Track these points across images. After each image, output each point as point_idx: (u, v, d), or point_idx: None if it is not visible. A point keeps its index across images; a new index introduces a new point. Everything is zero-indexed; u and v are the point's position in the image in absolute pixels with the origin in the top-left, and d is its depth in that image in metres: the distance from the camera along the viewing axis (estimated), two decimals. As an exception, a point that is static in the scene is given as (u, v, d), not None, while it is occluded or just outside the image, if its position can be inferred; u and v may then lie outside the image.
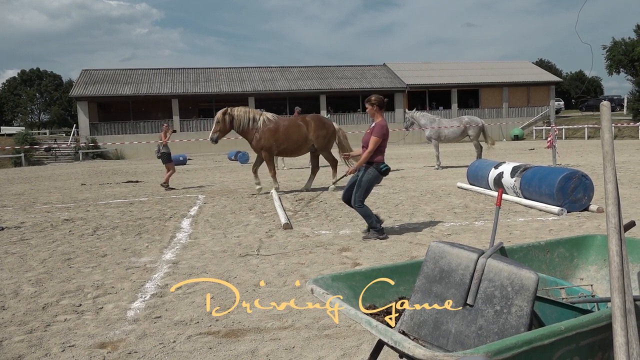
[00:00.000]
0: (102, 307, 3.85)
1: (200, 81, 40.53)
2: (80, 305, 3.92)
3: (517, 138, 36.89)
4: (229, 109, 10.10)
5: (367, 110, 5.83)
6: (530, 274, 1.57)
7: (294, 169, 17.22)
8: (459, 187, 10.04)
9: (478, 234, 5.87)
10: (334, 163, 10.88)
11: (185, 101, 39.81)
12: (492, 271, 1.64)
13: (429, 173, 13.37)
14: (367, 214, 5.79)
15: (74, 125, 38.84)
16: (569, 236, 2.40)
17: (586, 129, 33.04)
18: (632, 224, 2.31)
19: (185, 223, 7.40)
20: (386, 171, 5.76)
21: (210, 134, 10.21)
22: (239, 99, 40.12)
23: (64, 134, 45.23)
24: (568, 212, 6.84)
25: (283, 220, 6.88)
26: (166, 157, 12.11)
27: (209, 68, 43.80)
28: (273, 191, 9.83)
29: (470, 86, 42.76)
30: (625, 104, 43.08)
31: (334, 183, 10.44)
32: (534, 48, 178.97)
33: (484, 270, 1.65)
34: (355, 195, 5.72)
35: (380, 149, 5.67)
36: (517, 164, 8.43)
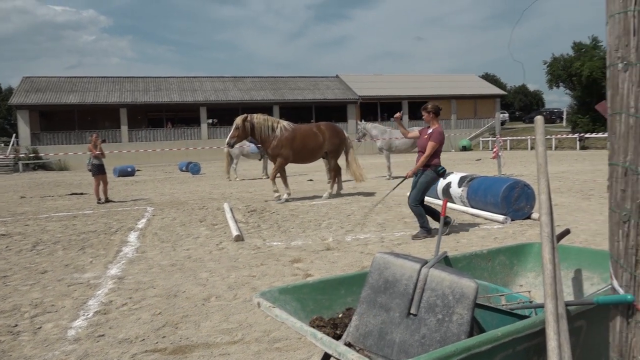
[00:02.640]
0: (40, 327, 3.66)
1: (150, 90, 39.61)
2: (16, 325, 3.71)
3: (464, 149, 38.10)
4: (249, 116, 10.26)
5: (423, 118, 6.26)
6: (469, 283, 1.62)
7: (246, 179, 17.07)
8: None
9: (427, 242, 5.99)
10: (337, 172, 11.10)
11: (134, 111, 38.77)
12: (435, 280, 1.68)
13: (380, 183, 13.57)
14: (420, 214, 6.22)
15: (14, 134, 36.97)
16: (509, 244, 2.50)
17: (529, 140, 34.53)
18: (567, 232, 2.42)
19: (133, 236, 7.17)
20: (443, 173, 6.25)
21: (228, 138, 10.39)
22: (191, 109, 39.54)
23: (2, 144, 42.97)
24: (512, 220, 7.11)
25: (234, 232, 6.79)
26: (97, 169, 11.59)
27: (160, 77, 42.91)
28: (225, 204, 9.69)
29: (420, 98, 43.81)
30: (564, 117, 45.42)
31: (335, 191, 10.94)
32: (479, 62, 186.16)
33: (426, 280, 1.69)
34: (411, 194, 6.21)
35: (436, 153, 6.13)
36: (464, 174, 8.70)
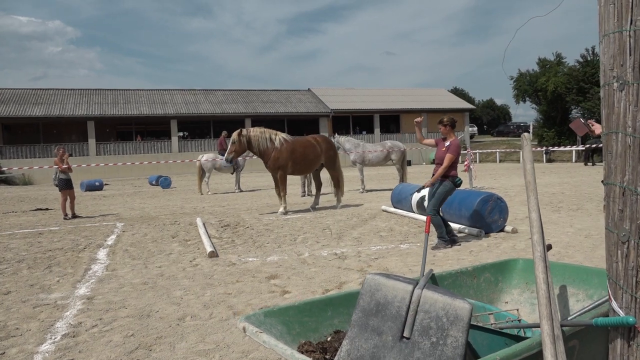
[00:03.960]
0: (3, 353, 3.46)
1: (119, 103, 38.88)
2: (-22, 351, 3.50)
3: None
4: (244, 130, 10.28)
5: (440, 131, 6.53)
6: (463, 304, 1.58)
7: (218, 193, 16.84)
8: (383, 210, 10.26)
9: (404, 257, 5.98)
10: (337, 182, 11.31)
11: (103, 123, 37.95)
12: (428, 302, 1.63)
13: (354, 196, 13.58)
14: (438, 224, 6.36)
15: (-25, 148, 35.63)
16: (493, 261, 2.48)
17: (497, 153, 35.28)
18: (549, 247, 2.42)
19: (102, 254, 6.93)
20: (460, 183, 6.44)
21: (226, 154, 10.38)
22: (161, 122, 38.96)
23: (-37, 158, 41.35)
24: (486, 233, 7.18)
25: (208, 248, 6.65)
26: (64, 184, 11.26)
27: (129, 89, 42.18)
28: (198, 219, 9.51)
29: (392, 112, 44.40)
30: (531, 130, 46.65)
31: (340, 201, 11.28)
32: (448, 76, 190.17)
33: (419, 302, 1.65)
34: (430, 204, 6.38)
35: (453, 165, 6.34)
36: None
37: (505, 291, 2.36)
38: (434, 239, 6.77)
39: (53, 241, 8.16)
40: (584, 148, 25.22)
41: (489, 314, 1.94)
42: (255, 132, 10.32)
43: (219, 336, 3.63)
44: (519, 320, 1.91)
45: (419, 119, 6.82)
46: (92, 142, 36.05)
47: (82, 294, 4.88)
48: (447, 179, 6.37)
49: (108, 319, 4.09)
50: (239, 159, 15.20)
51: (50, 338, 3.70)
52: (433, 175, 6.53)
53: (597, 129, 3.87)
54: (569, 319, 1.75)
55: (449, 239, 6.45)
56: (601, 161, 26.86)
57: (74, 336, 3.73)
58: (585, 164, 25.27)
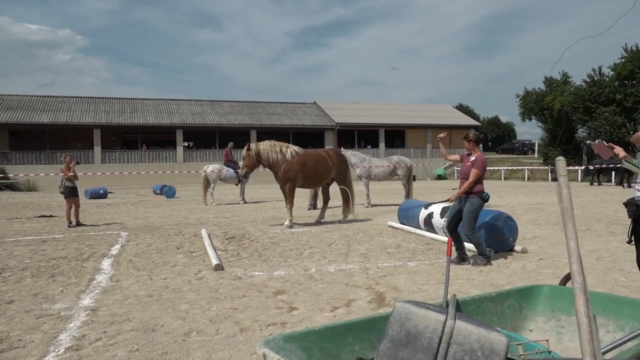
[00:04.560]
0: (6, 365, 3.38)
1: (125, 112, 39.07)
2: (-21, 363, 3.42)
3: (440, 177, 38.53)
4: (252, 145, 10.36)
5: (465, 146, 6.51)
6: (500, 337, 1.50)
7: (222, 204, 16.78)
8: (389, 226, 10.17)
9: (412, 275, 5.88)
10: (347, 197, 11.23)
11: (108, 132, 38.09)
12: (461, 334, 1.56)
13: (359, 211, 13.48)
14: (478, 242, 6.35)
15: (-19, 153, 35.76)
16: (517, 287, 2.40)
17: (502, 170, 35.18)
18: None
19: (106, 264, 6.86)
20: (488, 199, 6.41)
21: (240, 171, 10.59)
22: (167, 131, 39.09)
23: (-32, 163, 41.49)
24: (495, 252, 7.07)
25: (214, 260, 6.56)
26: (69, 192, 11.28)
27: (136, 99, 42.43)
28: (203, 230, 9.43)
29: (397, 127, 44.44)
30: (536, 149, 46.59)
31: (347, 216, 11.23)
32: (453, 93, 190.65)
33: (452, 333, 1.57)
34: (465, 225, 6.31)
35: (479, 180, 6.27)
36: (446, 204, 8.67)
37: (530, 319, 2.28)
38: (434, 254, 6.68)
39: (57, 249, 8.09)
40: (583, 168, 25.10)
41: (517, 344, 1.86)
42: (264, 146, 10.36)
43: (226, 353, 3.54)
44: (549, 352, 1.83)
45: (442, 135, 6.87)
46: (97, 150, 36.16)
47: (86, 305, 4.80)
48: (475, 196, 6.30)
49: (112, 332, 4.00)
50: None
51: (54, 351, 3.62)
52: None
53: (620, 151, 3.80)
54: (602, 352, 1.66)
55: (489, 256, 6.42)
56: (607, 181, 26.74)
57: (77, 349, 3.64)
58: (591, 184, 25.14)
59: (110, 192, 24.15)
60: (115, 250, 7.96)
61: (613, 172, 26.36)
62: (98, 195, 21.62)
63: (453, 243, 6.49)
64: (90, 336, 3.92)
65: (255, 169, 10.60)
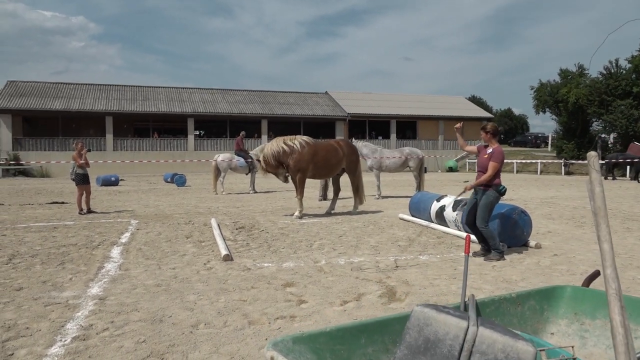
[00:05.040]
0: (12, 354, 3.35)
1: (137, 99, 39.18)
2: (-14, 351, 3.40)
3: (451, 170, 38.22)
4: (260, 156, 10.32)
5: (482, 137, 6.37)
6: (527, 347, 1.40)
7: (232, 194, 16.76)
8: (400, 219, 10.06)
9: (424, 269, 5.79)
10: (357, 188, 11.19)
11: (120, 119, 38.26)
12: (485, 342, 1.46)
13: (369, 202, 13.38)
14: (491, 235, 6.20)
15: (-5, 139, 36.10)
16: (538, 287, 2.30)
17: (515, 163, 34.78)
18: (597, 274, 2.23)
19: (115, 252, 6.85)
20: (504, 192, 6.28)
21: (279, 177, 10.60)
22: (178, 120, 39.17)
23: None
24: (508, 247, 6.94)
25: (223, 251, 6.52)
26: (81, 179, 11.30)
27: (147, 86, 42.53)
28: (213, 220, 9.39)
29: (409, 118, 44.12)
30: (549, 142, 46.01)
31: (357, 207, 11.17)
32: (465, 84, 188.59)
33: (475, 341, 1.47)
34: (479, 217, 6.19)
35: (497, 173, 6.15)
36: (459, 197, 8.53)
37: (551, 321, 2.17)
38: (446, 248, 6.58)
39: (67, 236, 8.10)
40: (604, 162, 24.70)
41: (540, 350, 1.76)
42: (267, 150, 10.24)
43: (234, 347, 3.48)
44: (574, 359, 1.72)
45: (458, 125, 6.75)
46: (109, 137, 36.34)
47: (94, 294, 4.77)
48: (490, 188, 6.18)
49: (120, 322, 3.97)
50: (254, 161, 15.04)
51: (60, 340, 3.59)
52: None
53: None
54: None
55: (503, 250, 6.29)
56: (622, 175, 26.32)
57: (84, 339, 3.61)
58: (606, 178, 24.75)
59: (121, 180, 24.26)
60: (125, 238, 7.95)
61: (628, 167, 25.93)
62: (109, 182, 21.73)
63: (475, 237, 6.37)
64: (98, 326, 3.89)
65: (280, 168, 10.37)
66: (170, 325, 3.91)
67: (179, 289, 4.97)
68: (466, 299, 1.92)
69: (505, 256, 6.42)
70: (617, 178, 25.12)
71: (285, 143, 10.23)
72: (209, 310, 4.29)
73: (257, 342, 3.56)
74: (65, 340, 3.58)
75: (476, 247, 6.58)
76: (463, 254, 6.29)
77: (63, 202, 13.91)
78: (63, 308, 4.34)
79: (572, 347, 1.73)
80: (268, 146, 10.32)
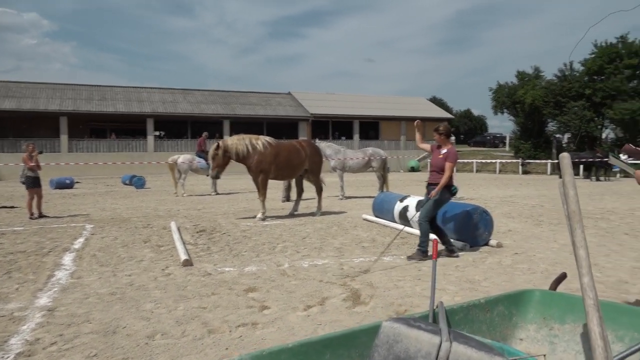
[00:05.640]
0: (-53, 374, 3.08)
1: (93, 99, 37.89)
2: None
3: (413, 169, 38.71)
4: (220, 143, 9.99)
5: (435, 139, 6.39)
6: (502, 362, 1.33)
7: (194, 195, 16.39)
8: (364, 219, 10.03)
9: (389, 271, 5.73)
10: (319, 189, 11.11)
11: (76, 120, 36.87)
12: (459, 359, 1.37)
13: (333, 203, 13.33)
14: (424, 232, 6.21)
15: (-60, 140, 34.19)
16: (506, 292, 2.24)
17: (474, 163, 35.55)
18: (564, 276, 2.20)
19: (68, 259, 6.51)
20: (456, 192, 6.40)
21: (210, 171, 10.26)
22: (137, 120, 38.11)
23: None
24: (470, 247, 7.00)
25: (182, 255, 6.29)
26: (31, 182, 10.79)
27: (105, 86, 41.21)
28: (172, 223, 9.10)
29: (371, 118, 44.41)
30: (507, 142, 47.27)
31: (320, 208, 11.01)
32: (428, 86, 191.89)
33: (448, 358, 1.39)
34: (424, 211, 6.26)
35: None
36: (421, 198, 8.56)
37: (520, 326, 2.12)
38: (410, 249, 6.56)
39: (15, 243, 7.67)
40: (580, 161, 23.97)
41: (511, 360, 1.69)
42: (232, 141, 10.05)
43: (192, 358, 3.31)
44: (546, 368, 1.67)
45: (418, 122, 6.80)
46: (64, 138, 35.01)
47: (42, 305, 4.49)
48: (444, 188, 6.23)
49: (69, 336, 3.72)
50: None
51: (2, 357, 3.33)
52: (428, 182, 6.42)
53: None
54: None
55: (427, 251, 6.26)
56: (576, 174, 27.09)
57: (29, 355, 3.36)
58: (591, 179, 24.08)
59: (77, 182, 23.38)
60: (78, 244, 7.58)
61: (581, 166, 26.78)
62: (64, 185, 20.88)
63: (436, 236, 6.36)
64: (45, 340, 3.64)
65: (226, 167, 10.23)
66: (125, 337, 3.69)
67: (134, 297, 4.74)
68: (435, 307, 1.84)
69: (468, 255, 6.46)
70: (600, 179, 25.24)
71: (250, 142, 10.04)
72: (166, 319, 4.10)
73: (217, 352, 3.41)
74: (8, 357, 3.33)
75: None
76: (430, 258, 6.31)
77: (12, 207, 13.24)
78: (7, 321, 4.05)
79: (544, 355, 1.68)
80: (233, 141, 10.05)
